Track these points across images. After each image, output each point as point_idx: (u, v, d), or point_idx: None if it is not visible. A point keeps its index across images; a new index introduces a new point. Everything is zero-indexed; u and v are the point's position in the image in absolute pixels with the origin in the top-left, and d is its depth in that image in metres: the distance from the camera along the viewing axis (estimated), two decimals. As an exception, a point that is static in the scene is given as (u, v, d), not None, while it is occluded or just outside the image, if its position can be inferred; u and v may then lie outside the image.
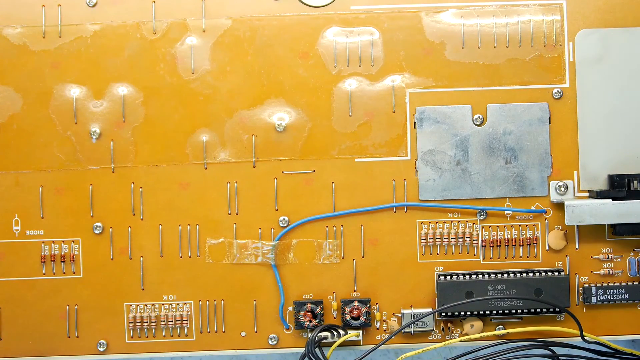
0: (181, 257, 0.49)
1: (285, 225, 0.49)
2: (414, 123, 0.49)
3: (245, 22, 0.49)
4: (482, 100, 0.49)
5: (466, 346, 0.51)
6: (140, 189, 0.49)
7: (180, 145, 0.49)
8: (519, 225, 0.49)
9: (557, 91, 0.49)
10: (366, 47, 0.49)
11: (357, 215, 0.49)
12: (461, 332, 0.50)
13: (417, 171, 0.49)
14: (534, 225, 0.49)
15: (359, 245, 0.49)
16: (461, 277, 0.49)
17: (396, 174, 0.49)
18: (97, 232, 0.49)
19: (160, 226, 0.49)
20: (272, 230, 0.49)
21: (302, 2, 0.49)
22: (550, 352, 0.47)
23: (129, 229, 0.49)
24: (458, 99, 0.49)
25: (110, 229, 0.49)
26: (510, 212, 0.49)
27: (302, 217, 0.49)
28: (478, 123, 0.49)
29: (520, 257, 0.49)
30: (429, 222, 0.49)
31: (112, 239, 0.49)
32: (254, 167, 0.49)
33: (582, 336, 0.47)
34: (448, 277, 0.49)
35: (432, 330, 0.49)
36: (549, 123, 0.49)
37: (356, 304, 0.49)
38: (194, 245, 0.49)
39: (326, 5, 0.49)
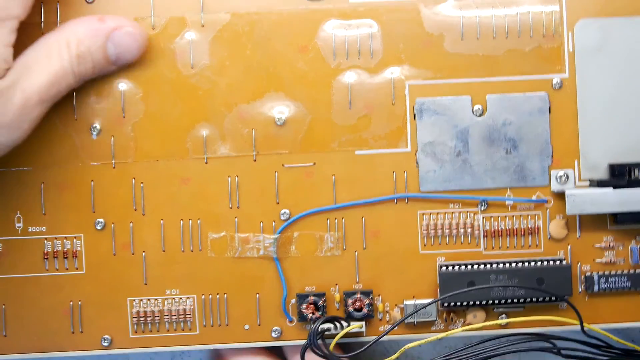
0: (183, 251, 0.49)
1: (286, 218, 0.49)
2: (414, 115, 0.49)
3: (244, 17, 0.49)
4: (482, 91, 0.49)
5: (470, 337, 0.51)
6: (142, 184, 0.49)
7: (181, 140, 0.49)
8: (520, 215, 0.49)
9: (557, 81, 0.49)
10: (365, 39, 0.49)
11: (358, 207, 0.49)
12: (464, 322, 0.50)
13: (417, 162, 0.49)
14: (535, 214, 0.49)
15: (360, 237, 0.50)
16: (463, 267, 0.49)
17: (397, 166, 0.49)
18: (99, 227, 0.49)
19: (162, 221, 0.49)
20: (274, 223, 0.49)
21: (301, -4, 0.49)
22: (551, 345, 0.47)
23: (131, 224, 0.49)
24: (458, 90, 0.49)
25: (112, 225, 0.49)
26: (511, 202, 0.49)
27: (303, 210, 0.49)
28: (478, 114, 0.49)
29: (522, 246, 0.49)
30: (430, 213, 0.49)
31: (114, 235, 0.49)
32: (255, 160, 0.49)
33: (582, 327, 0.47)
34: (450, 268, 0.49)
35: (435, 320, 0.49)
36: (549, 113, 0.49)
37: (359, 295, 0.49)
38: (196, 239, 0.49)
39: (324, -2, 0.50)
